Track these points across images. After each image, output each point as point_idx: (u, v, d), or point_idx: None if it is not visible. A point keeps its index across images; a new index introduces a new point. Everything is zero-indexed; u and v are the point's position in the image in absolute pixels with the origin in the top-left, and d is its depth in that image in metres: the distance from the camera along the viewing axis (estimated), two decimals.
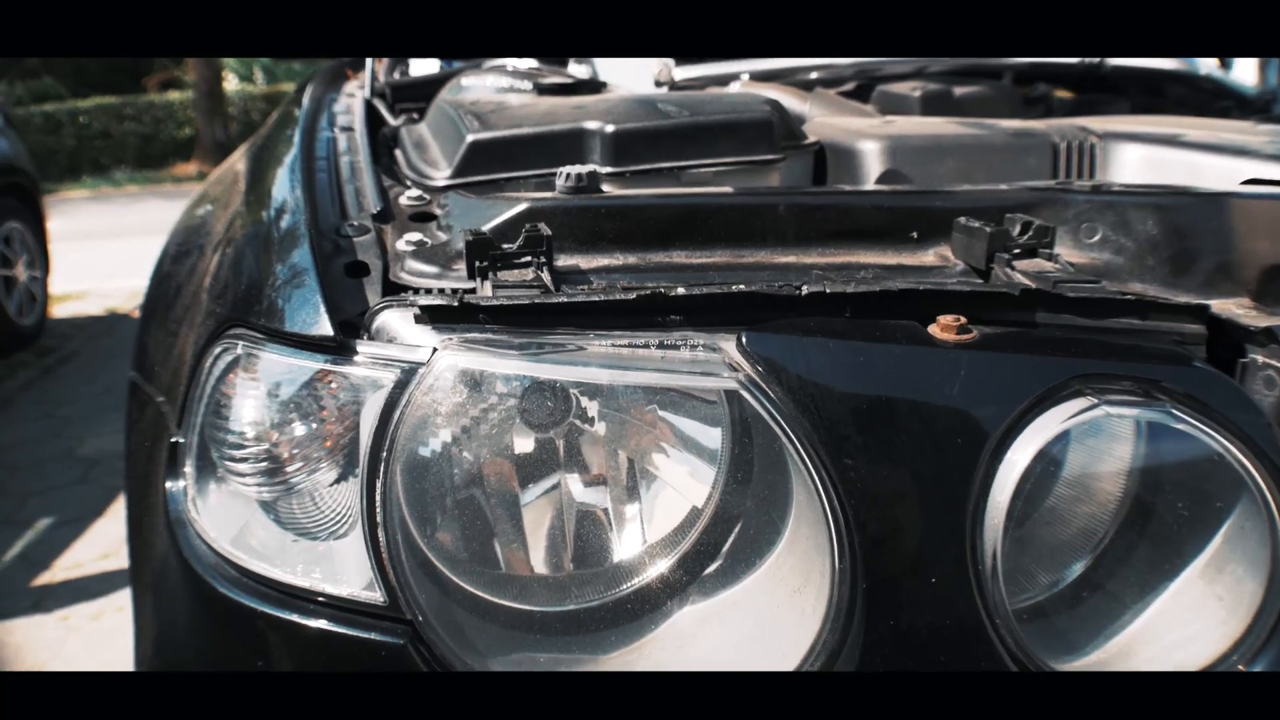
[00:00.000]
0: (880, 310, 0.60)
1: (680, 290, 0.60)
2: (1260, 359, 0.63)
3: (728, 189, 0.78)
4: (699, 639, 0.64)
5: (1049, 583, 0.63)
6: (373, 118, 1.44)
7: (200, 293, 0.86)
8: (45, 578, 2.36)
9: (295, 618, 0.63)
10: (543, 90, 1.14)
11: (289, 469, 0.67)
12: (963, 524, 0.54)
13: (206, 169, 10.54)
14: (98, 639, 2.09)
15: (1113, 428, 0.58)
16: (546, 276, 0.67)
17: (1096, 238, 0.74)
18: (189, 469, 0.73)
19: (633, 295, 0.60)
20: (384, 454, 0.60)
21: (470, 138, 0.96)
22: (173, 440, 0.77)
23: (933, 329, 0.58)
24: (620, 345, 0.61)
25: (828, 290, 0.60)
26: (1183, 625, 0.58)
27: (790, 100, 1.20)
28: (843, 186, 0.81)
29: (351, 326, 0.66)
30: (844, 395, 0.56)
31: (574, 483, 0.65)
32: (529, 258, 0.68)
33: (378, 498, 0.60)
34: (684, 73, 1.44)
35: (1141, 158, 0.94)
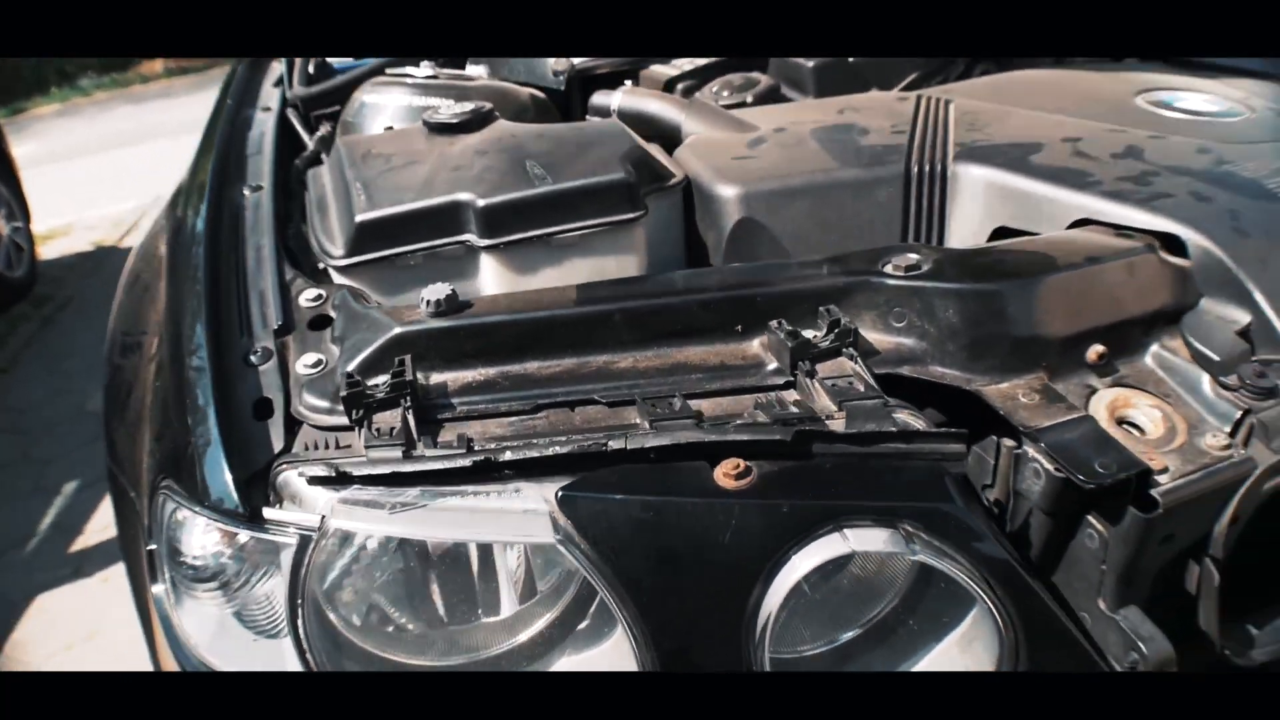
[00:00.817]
0: (677, 453, 0.71)
1: (508, 455, 0.72)
2: (1030, 452, 0.74)
3: (570, 304, 0.86)
4: None
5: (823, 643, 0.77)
6: (285, 134, 1.50)
7: (142, 415, 0.98)
8: (80, 543, 2.58)
9: None
10: (431, 128, 1.20)
11: (236, 592, 0.82)
12: (738, 639, 0.68)
13: (172, 64, 10.28)
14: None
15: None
16: (411, 422, 0.78)
17: (903, 323, 0.83)
18: (164, 581, 0.87)
19: (469, 462, 0.72)
20: (299, 595, 0.74)
21: (358, 219, 1.04)
22: (148, 549, 0.90)
23: (717, 473, 0.70)
24: (467, 498, 0.73)
25: (628, 447, 0.71)
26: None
27: (669, 111, 1.25)
28: (674, 282, 0.89)
29: (259, 475, 0.79)
30: (639, 546, 0.69)
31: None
32: (397, 404, 0.79)
33: (299, 619, 0.75)
34: (583, 61, 1.47)
35: (986, 185, 0.99)
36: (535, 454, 0.71)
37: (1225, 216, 0.87)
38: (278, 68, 1.84)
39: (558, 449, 0.71)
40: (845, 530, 0.69)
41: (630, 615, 0.69)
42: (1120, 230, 0.89)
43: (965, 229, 1.01)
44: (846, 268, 0.86)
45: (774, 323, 0.82)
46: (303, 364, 0.89)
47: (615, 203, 1.02)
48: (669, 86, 1.47)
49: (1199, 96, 1.19)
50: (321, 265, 1.09)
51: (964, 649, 0.73)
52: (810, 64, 1.37)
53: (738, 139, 1.13)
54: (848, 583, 0.76)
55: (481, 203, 1.01)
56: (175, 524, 0.84)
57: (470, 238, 1.03)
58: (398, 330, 0.85)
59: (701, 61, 1.46)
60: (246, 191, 1.23)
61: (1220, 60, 1.35)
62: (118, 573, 2.43)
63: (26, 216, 4.70)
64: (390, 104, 1.42)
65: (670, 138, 1.25)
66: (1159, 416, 0.78)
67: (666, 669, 0.69)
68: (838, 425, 0.74)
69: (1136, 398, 0.80)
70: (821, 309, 0.83)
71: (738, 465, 0.70)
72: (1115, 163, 0.97)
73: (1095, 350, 0.81)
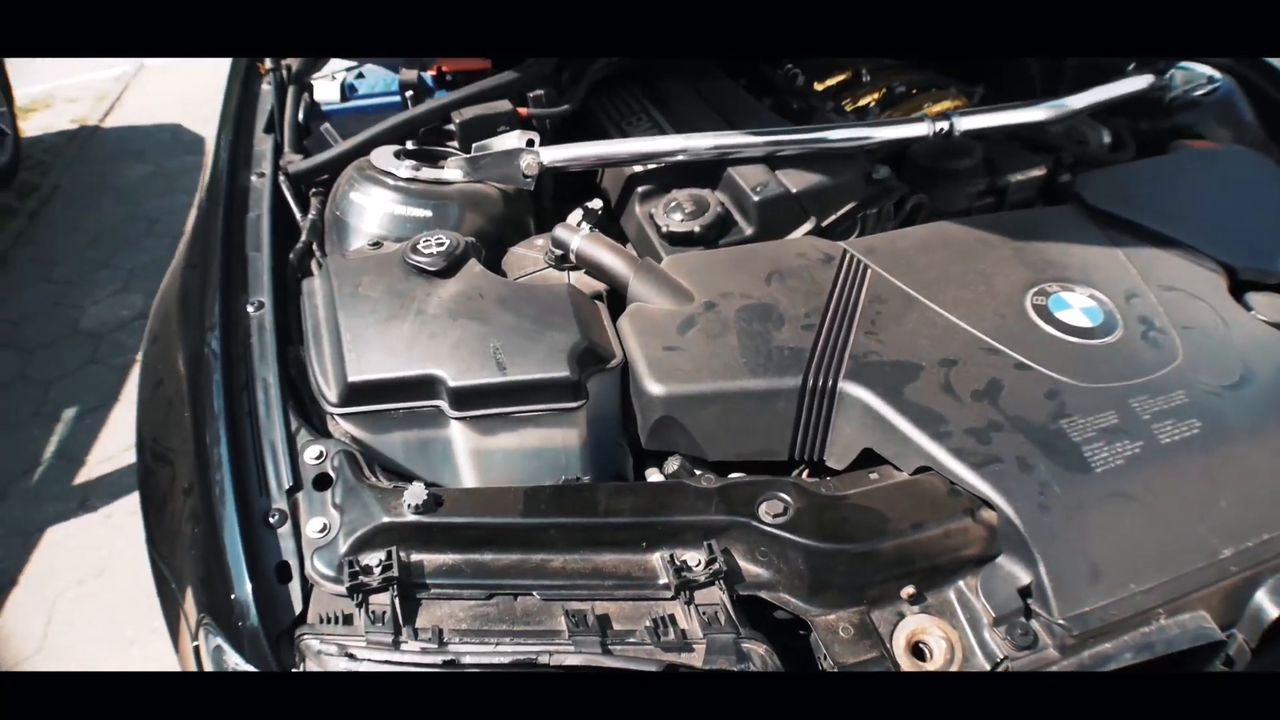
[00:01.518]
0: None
1: (467, 659, 1.00)
2: None
3: (519, 513, 1.12)
4: None
5: None
6: (280, 208, 1.68)
7: (179, 532, 1.23)
8: (84, 474, 2.85)
9: None
10: (411, 269, 1.40)
11: None
12: None
13: None
14: (140, 537, 2.61)
15: None
16: (398, 611, 1.05)
17: (765, 559, 1.09)
18: None
19: (439, 660, 1.00)
20: None
21: (350, 379, 1.26)
22: (194, 645, 1.17)
23: None
24: None
25: (550, 664, 0.99)
26: None
27: (619, 268, 1.44)
28: (598, 502, 1.14)
29: (284, 634, 1.07)
30: None
31: None
32: (387, 590, 1.06)
33: None
34: (550, 155, 1.64)
35: (864, 410, 1.20)
36: (487, 659, 1.00)
37: (1036, 490, 1.11)
38: (266, 93, 1.98)
39: (501, 658, 1.00)
40: None
41: None
42: (952, 487, 1.14)
43: (841, 443, 1.25)
44: (730, 505, 1.12)
45: (668, 554, 1.09)
46: (312, 529, 1.14)
47: (560, 393, 1.25)
48: (629, 185, 1.66)
49: (1083, 299, 1.38)
50: (318, 399, 1.32)
51: None
52: (756, 199, 1.55)
53: (671, 319, 1.34)
54: None
55: (453, 384, 1.24)
56: (219, 652, 1.12)
57: (442, 405, 1.27)
58: (385, 520, 1.11)
59: (657, 166, 1.63)
60: (251, 309, 1.43)
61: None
62: (119, 508, 2.72)
63: (9, 99, 4.70)
64: (374, 207, 1.60)
65: (618, 285, 1.46)
66: (944, 645, 1.06)
67: None
68: (700, 649, 1.02)
69: (931, 627, 1.08)
70: (706, 543, 1.10)
71: None
72: (972, 406, 1.20)
73: (906, 591, 1.09)
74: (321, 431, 1.29)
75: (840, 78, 2.15)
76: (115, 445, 2.94)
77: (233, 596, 1.10)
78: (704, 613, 1.05)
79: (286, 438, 1.24)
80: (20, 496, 2.75)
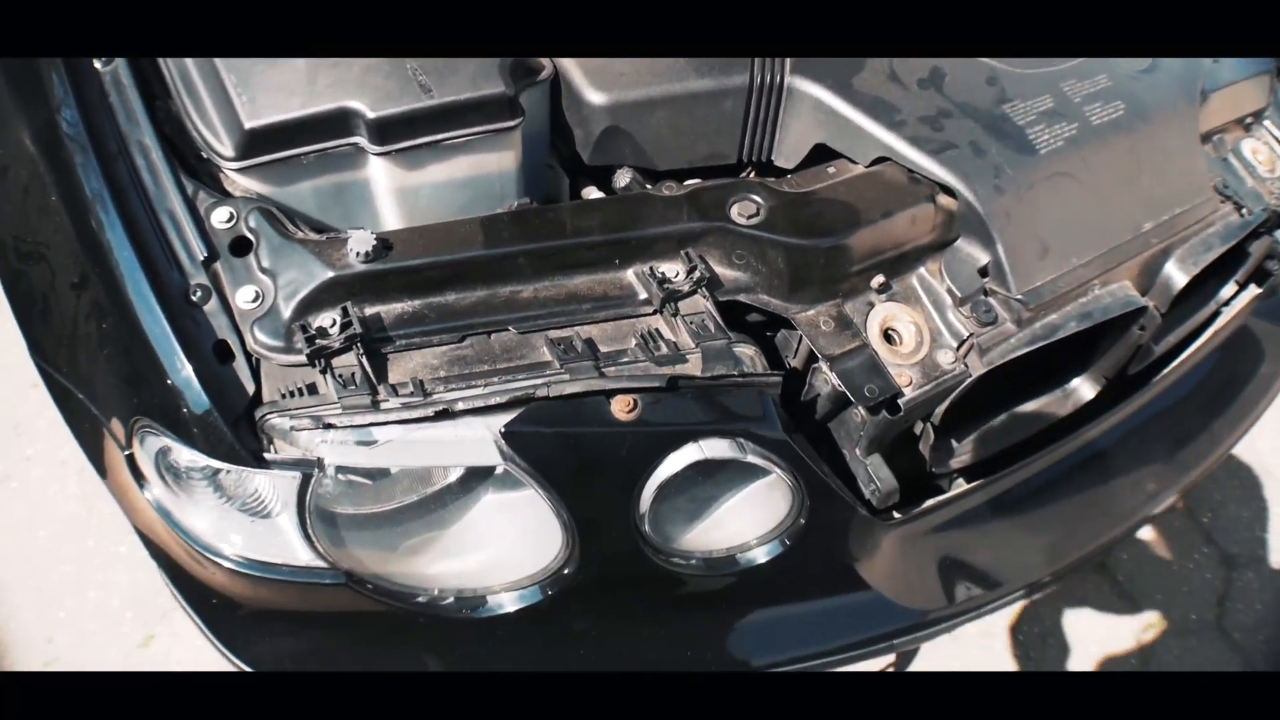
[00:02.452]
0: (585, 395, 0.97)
1: (460, 404, 0.94)
2: (825, 369, 1.05)
3: (480, 244, 1.03)
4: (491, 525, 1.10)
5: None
6: None
7: (77, 337, 1.08)
8: None
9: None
10: None
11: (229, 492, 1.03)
12: (629, 513, 1.01)
13: None
14: None
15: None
16: (368, 368, 0.97)
17: (743, 262, 1.07)
18: (156, 484, 1.05)
19: (431, 411, 0.94)
20: (306, 514, 0.98)
21: (248, 125, 1.09)
22: (126, 454, 1.07)
23: (614, 407, 0.96)
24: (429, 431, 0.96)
25: (550, 395, 0.95)
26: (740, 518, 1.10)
27: None
28: (563, 223, 1.05)
29: (241, 418, 0.97)
30: (563, 464, 0.97)
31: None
32: (350, 350, 0.98)
33: (309, 529, 1.00)
34: None
35: (814, 104, 1.15)
36: (481, 402, 0.95)
37: (990, 173, 1.12)
38: None
39: (498, 399, 0.95)
40: (700, 442, 0.99)
41: (557, 506, 0.99)
42: (911, 175, 1.14)
43: (791, 140, 1.21)
44: (703, 211, 1.08)
45: (645, 268, 1.05)
46: (243, 299, 1.02)
47: (497, 113, 1.13)
48: None
49: None
50: (206, 155, 1.15)
51: (769, 490, 1.09)
52: None
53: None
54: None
55: (372, 114, 1.10)
56: (165, 453, 1.02)
57: (360, 140, 1.13)
58: (331, 275, 1.01)
59: None
60: (99, 65, 1.20)
61: None
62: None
63: None
64: None
65: None
66: (913, 330, 1.10)
67: (581, 539, 1.01)
68: (695, 359, 1.01)
69: (901, 313, 1.11)
70: (682, 252, 1.06)
71: (628, 402, 0.97)
72: (920, 95, 1.18)
73: (877, 280, 1.11)
74: (220, 192, 1.13)
75: None
76: None
77: (169, 384, 0.97)
78: (690, 322, 1.03)
79: (185, 204, 1.08)
80: None
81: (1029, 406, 1.30)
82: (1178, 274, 1.25)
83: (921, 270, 1.14)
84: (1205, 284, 1.41)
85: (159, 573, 1.21)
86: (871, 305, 1.11)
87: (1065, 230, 1.16)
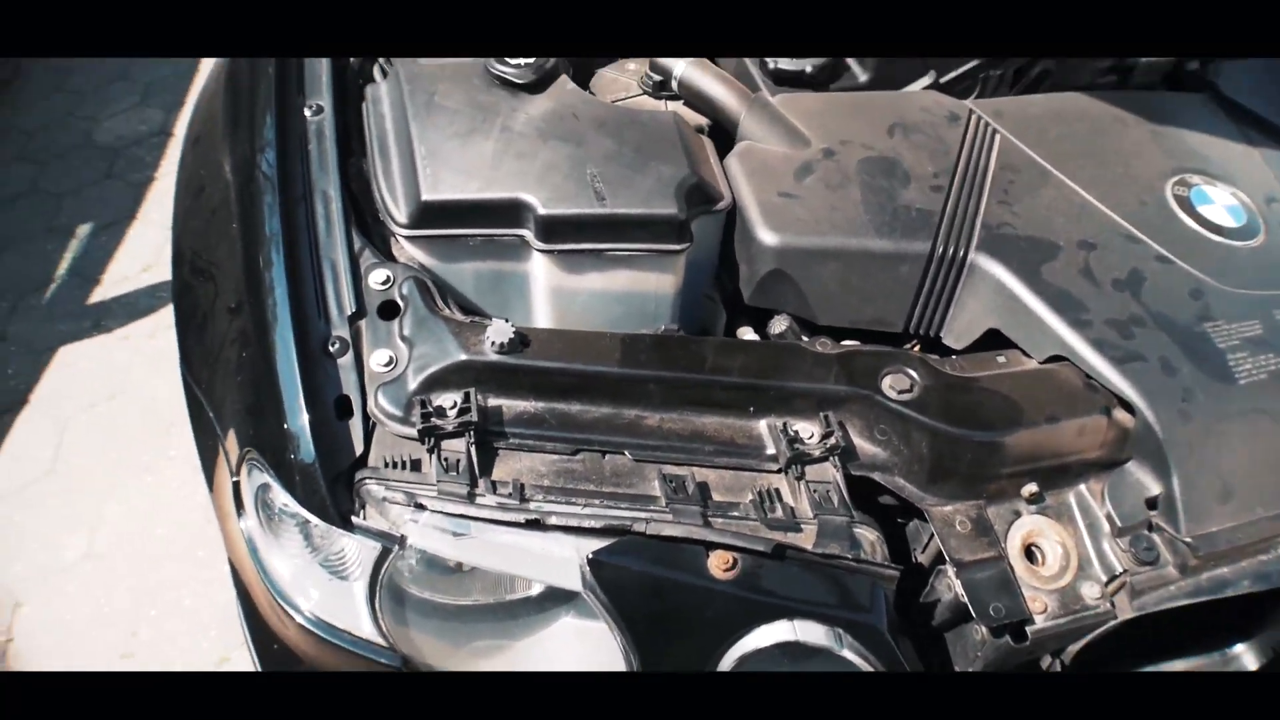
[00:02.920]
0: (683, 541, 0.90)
1: (553, 519, 0.90)
2: (952, 574, 0.94)
3: (615, 361, 1.00)
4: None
5: None
6: None
7: (220, 356, 1.12)
8: (98, 294, 2.72)
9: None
10: (495, 79, 1.25)
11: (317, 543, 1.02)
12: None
13: None
14: (157, 360, 2.52)
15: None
16: (474, 459, 0.95)
17: (884, 438, 0.99)
18: (251, 517, 1.06)
19: (522, 519, 0.90)
20: (377, 586, 0.96)
21: (425, 198, 1.13)
22: (234, 480, 1.09)
23: (712, 562, 0.89)
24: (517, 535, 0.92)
25: (647, 532, 0.89)
26: None
27: (730, 101, 1.29)
28: (704, 357, 1.01)
29: (342, 476, 0.97)
30: (644, 606, 0.90)
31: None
32: (462, 435, 0.96)
33: (375, 602, 0.97)
34: None
35: (996, 286, 1.09)
36: (575, 522, 0.90)
37: (1179, 395, 1.01)
38: None
39: (593, 523, 0.90)
40: (795, 622, 0.90)
41: (627, 650, 0.92)
42: (1088, 381, 1.04)
43: (964, 319, 1.14)
44: (852, 375, 1.01)
45: (779, 422, 0.99)
46: (376, 362, 1.03)
47: (665, 234, 1.12)
48: None
49: (1225, 195, 1.26)
50: (382, 218, 1.19)
51: None
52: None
53: (787, 163, 1.20)
54: None
55: (543, 211, 1.11)
56: (265, 489, 1.02)
57: (527, 234, 1.14)
58: (463, 358, 1.00)
59: None
60: (309, 113, 1.28)
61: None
62: (136, 330, 2.60)
63: None
64: None
65: (726, 119, 1.31)
66: (1060, 552, 0.98)
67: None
68: (810, 530, 0.93)
69: (1048, 530, 0.99)
70: (821, 414, 0.99)
71: (727, 560, 0.90)
72: (1113, 296, 1.09)
73: (1029, 489, 1.00)
74: (385, 255, 1.17)
75: None
76: (132, 265, 2.80)
77: (284, 427, 0.99)
78: (814, 490, 0.96)
79: (349, 258, 1.12)
80: (32, 313, 2.63)
81: (1177, 665, 1.13)
82: None
83: (1081, 488, 1.02)
84: None
85: (236, 602, 1.21)
86: (1017, 514, 1.00)
87: (1255, 475, 1.03)
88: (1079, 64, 1.57)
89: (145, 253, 2.86)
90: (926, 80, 1.41)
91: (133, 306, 2.70)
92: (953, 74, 1.44)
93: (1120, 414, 1.03)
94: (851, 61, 1.41)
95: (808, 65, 1.37)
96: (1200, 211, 1.24)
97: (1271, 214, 1.27)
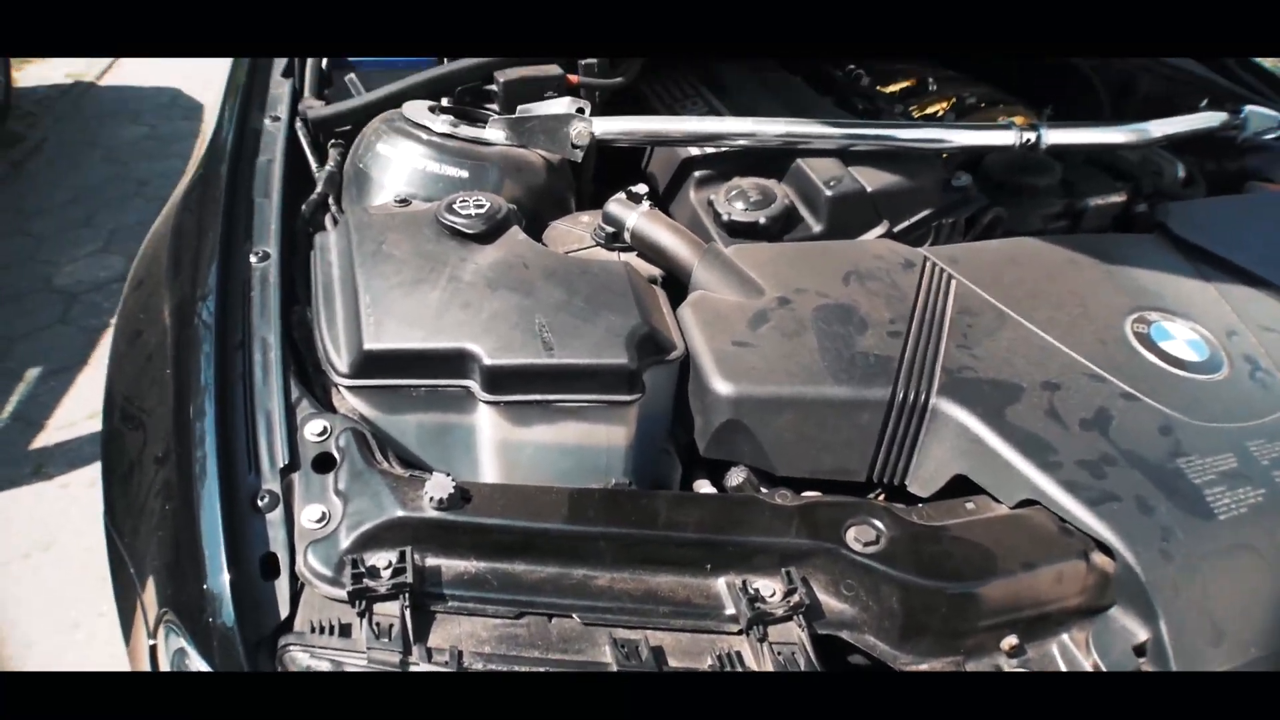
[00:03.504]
0: None
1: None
2: None
3: (562, 518, 0.95)
4: None
5: None
6: (293, 154, 1.51)
7: (145, 508, 1.05)
8: (41, 439, 2.64)
9: None
10: (445, 229, 1.23)
11: None
12: None
13: None
14: (97, 510, 2.40)
15: None
16: (409, 624, 0.87)
17: (851, 594, 0.93)
18: None
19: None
20: None
21: (367, 347, 1.09)
22: (150, 644, 0.99)
23: None
24: None
25: None
26: None
27: (682, 252, 1.28)
28: (657, 513, 0.96)
29: (265, 642, 0.89)
30: None
31: None
32: (396, 598, 0.88)
33: None
34: (603, 126, 1.48)
35: (959, 431, 1.06)
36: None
37: (1158, 535, 0.96)
38: None
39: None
40: None
41: None
42: (1063, 525, 0.99)
43: (929, 467, 1.09)
44: (814, 528, 0.95)
45: (738, 580, 0.92)
46: (307, 518, 0.96)
47: (615, 384, 1.08)
48: (683, 169, 1.50)
49: (1185, 330, 1.26)
50: (324, 368, 1.14)
51: None
52: (828, 194, 1.41)
53: (741, 312, 1.18)
54: None
55: (488, 361, 1.07)
56: (181, 655, 0.93)
57: (473, 385, 1.09)
58: (399, 515, 0.93)
59: (717, 150, 1.48)
60: (254, 260, 1.25)
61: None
62: (77, 479, 2.51)
63: None
64: (403, 161, 1.43)
65: (679, 270, 1.30)
66: None
67: None
68: None
69: None
70: (784, 570, 0.93)
71: None
72: (1081, 436, 1.05)
73: (1009, 642, 0.93)
74: (325, 405, 1.11)
75: (905, 84, 2.01)
76: (79, 411, 2.73)
77: (204, 587, 0.92)
78: (779, 652, 0.88)
79: (285, 408, 1.06)
80: None
81: None
82: None
83: (1065, 638, 0.96)
84: None
85: None
86: (999, 670, 0.93)
87: (1245, 614, 0.97)
88: (1029, 210, 1.60)
89: (94, 399, 2.74)
90: (880, 230, 1.43)
91: (75, 454, 2.60)
92: (905, 223, 1.45)
93: (1099, 557, 0.98)
94: (805, 213, 1.42)
95: (761, 216, 1.38)
96: (1162, 347, 1.23)
97: (1233, 346, 1.26)
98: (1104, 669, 0.93)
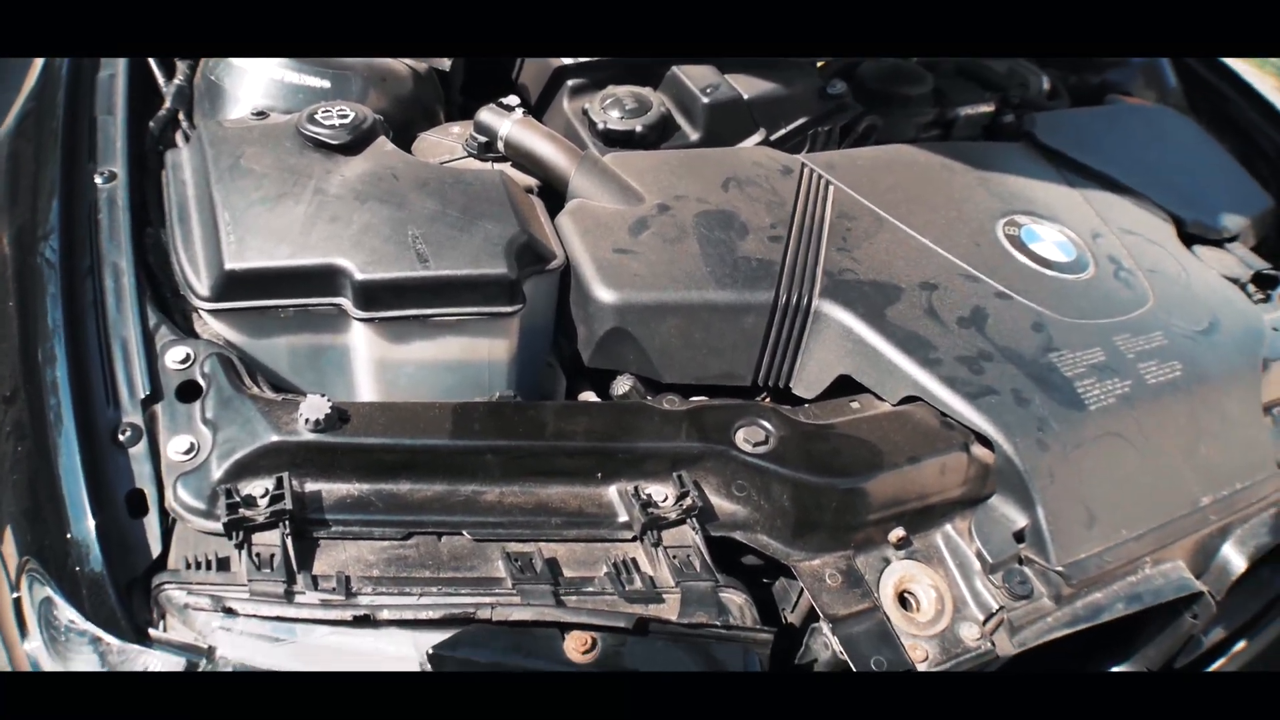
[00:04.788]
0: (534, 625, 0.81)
1: (385, 613, 0.79)
2: (827, 630, 0.89)
3: (446, 432, 0.91)
4: None
5: None
6: (138, 69, 1.38)
7: None
8: None
9: None
10: (307, 141, 1.15)
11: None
12: None
13: None
14: None
15: None
16: (291, 552, 0.83)
17: (743, 494, 0.93)
18: (35, 638, 0.89)
19: (349, 616, 0.79)
20: None
21: (228, 267, 1.02)
22: (14, 596, 0.91)
23: (568, 645, 0.80)
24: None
25: (493, 619, 0.79)
26: None
27: (559, 160, 1.24)
28: (544, 423, 0.94)
29: (137, 582, 0.84)
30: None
31: None
32: (275, 526, 0.84)
33: None
34: None
35: (842, 331, 1.07)
36: (411, 614, 0.79)
37: (1034, 425, 1.00)
38: None
39: (431, 614, 0.79)
40: None
41: None
42: (944, 419, 1.02)
43: (814, 367, 1.10)
44: (704, 431, 0.95)
45: (630, 486, 0.91)
46: (174, 449, 0.90)
47: (495, 295, 1.04)
48: (556, 79, 1.45)
49: (1054, 233, 1.30)
50: (183, 292, 1.06)
51: None
52: (705, 101, 1.38)
53: (621, 219, 1.16)
54: None
55: (360, 276, 1.01)
56: (49, 604, 0.86)
57: (344, 303, 1.04)
58: (274, 439, 0.88)
59: (590, 60, 1.43)
60: (99, 180, 1.15)
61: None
62: None
63: None
64: (259, 71, 1.32)
65: (555, 179, 1.26)
66: (934, 596, 0.94)
67: None
68: (673, 600, 0.85)
69: (921, 575, 0.95)
70: (675, 474, 0.93)
71: (585, 642, 0.81)
72: (959, 334, 1.08)
73: (896, 534, 0.96)
74: (186, 331, 1.04)
75: None
76: None
77: (68, 535, 0.86)
78: (674, 556, 0.88)
79: (143, 336, 0.99)
80: None
81: None
82: (1236, 557, 1.10)
83: (948, 528, 0.99)
84: (1260, 570, 1.25)
85: None
86: (887, 562, 0.96)
87: (1115, 498, 1.03)
88: (903, 119, 1.62)
89: None
90: (757, 137, 1.42)
91: None
92: (782, 130, 1.45)
93: (979, 449, 1.01)
94: (682, 121, 1.39)
95: (638, 125, 1.35)
96: (1032, 249, 1.28)
97: (1098, 248, 1.32)
98: (987, 556, 0.97)
